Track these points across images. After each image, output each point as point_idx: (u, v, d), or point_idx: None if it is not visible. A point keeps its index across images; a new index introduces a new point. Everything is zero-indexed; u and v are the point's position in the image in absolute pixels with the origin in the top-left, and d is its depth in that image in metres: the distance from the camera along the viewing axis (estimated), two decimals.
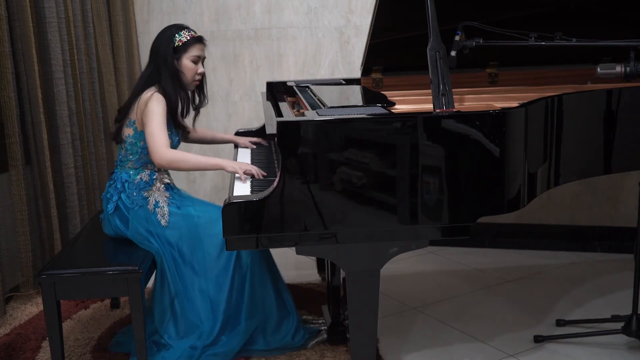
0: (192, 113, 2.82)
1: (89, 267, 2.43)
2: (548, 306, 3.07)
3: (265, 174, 2.48)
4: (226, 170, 2.49)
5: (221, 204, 2.11)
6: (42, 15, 3.25)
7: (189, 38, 2.64)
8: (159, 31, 2.69)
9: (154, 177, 2.64)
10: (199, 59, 2.68)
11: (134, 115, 2.60)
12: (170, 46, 2.61)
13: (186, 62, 2.64)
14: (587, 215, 3.83)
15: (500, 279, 3.43)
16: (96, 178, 3.68)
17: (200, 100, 2.82)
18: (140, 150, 2.60)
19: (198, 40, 2.67)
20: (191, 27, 3.99)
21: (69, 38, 3.43)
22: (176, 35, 2.62)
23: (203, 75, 2.75)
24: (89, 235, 2.77)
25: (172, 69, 2.61)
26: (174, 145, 2.67)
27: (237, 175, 2.46)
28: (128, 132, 2.62)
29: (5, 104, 3.09)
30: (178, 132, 2.71)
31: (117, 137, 2.67)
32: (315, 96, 2.74)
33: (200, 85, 2.78)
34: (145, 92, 2.58)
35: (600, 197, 3.79)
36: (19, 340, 2.80)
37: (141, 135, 2.58)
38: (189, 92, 2.73)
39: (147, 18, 4.12)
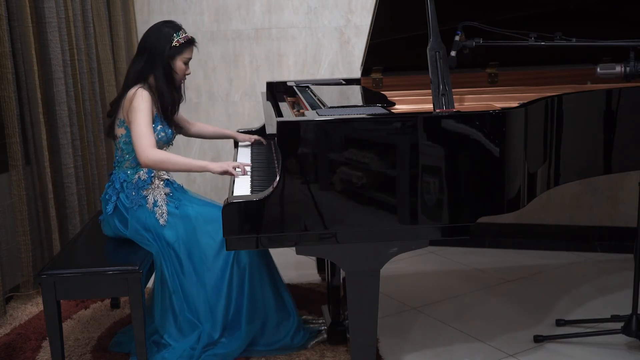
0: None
1: (89, 267, 2.43)
2: (548, 306, 3.07)
3: (250, 164, 2.57)
4: (213, 172, 2.52)
5: (221, 204, 2.11)
6: (42, 15, 3.25)
7: (185, 40, 2.64)
8: (153, 25, 2.68)
9: (152, 174, 2.63)
10: (188, 61, 2.69)
11: (122, 114, 2.60)
12: (167, 45, 2.60)
13: (179, 63, 2.64)
14: (587, 215, 3.83)
15: (500, 279, 3.43)
16: (96, 178, 3.68)
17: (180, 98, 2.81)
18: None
19: (192, 42, 2.68)
20: (191, 27, 4.06)
21: (69, 38, 3.43)
22: (174, 35, 2.61)
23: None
24: (89, 235, 2.77)
25: (167, 67, 2.61)
26: (169, 138, 2.68)
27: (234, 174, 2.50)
28: (120, 132, 2.62)
29: (5, 104, 3.09)
30: (170, 126, 2.70)
31: (111, 133, 2.67)
32: (315, 96, 2.74)
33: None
34: (130, 90, 2.58)
35: (600, 197, 3.79)
36: (19, 340, 2.80)
37: None
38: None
39: (147, 18, 4.11)
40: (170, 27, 2.64)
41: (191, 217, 2.60)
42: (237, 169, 2.50)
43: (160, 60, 2.60)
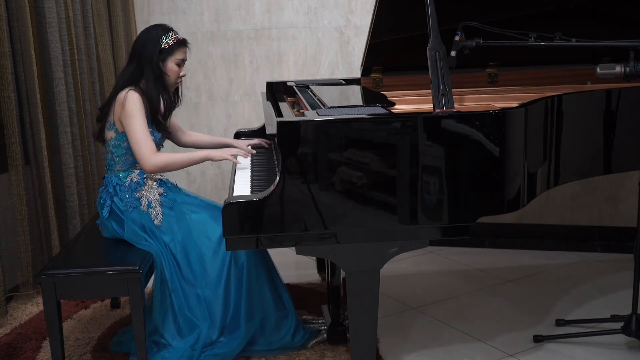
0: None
1: (89, 267, 2.43)
2: (548, 306, 3.07)
3: (254, 151, 2.72)
4: (214, 160, 2.63)
5: (220, 203, 2.11)
6: (42, 15, 3.25)
7: (175, 41, 2.62)
8: (143, 29, 2.67)
9: (144, 176, 2.63)
10: (182, 62, 2.67)
11: (112, 117, 2.59)
12: (156, 47, 2.59)
13: (171, 64, 2.63)
14: (587, 215, 3.83)
15: (500, 279, 3.43)
16: (96, 178, 3.68)
17: (174, 101, 2.77)
18: (125, 151, 2.60)
19: (183, 43, 2.66)
20: (191, 27, 4.06)
21: (69, 38, 3.43)
22: (163, 37, 2.60)
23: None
24: (89, 235, 2.77)
25: (157, 70, 2.60)
26: (157, 142, 2.65)
27: (236, 167, 2.59)
28: (110, 134, 2.61)
29: (5, 104, 3.09)
30: (159, 130, 2.67)
31: (101, 137, 2.66)
32: (315, 96, 2.74)
33: (176, 87, 2.76)
34: (120, 93, 2.56)
35: (600, 197, 3.79)
36: (19, 340, 2.80)
37: (123, 135, 2.57)
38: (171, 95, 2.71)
39: (147, 18, 4.11)
40: (159, 30, 2.62)
41: (186, 216, 2.60)
42: (239, 156, 2.65)
43: (149, 64, 2.58)
